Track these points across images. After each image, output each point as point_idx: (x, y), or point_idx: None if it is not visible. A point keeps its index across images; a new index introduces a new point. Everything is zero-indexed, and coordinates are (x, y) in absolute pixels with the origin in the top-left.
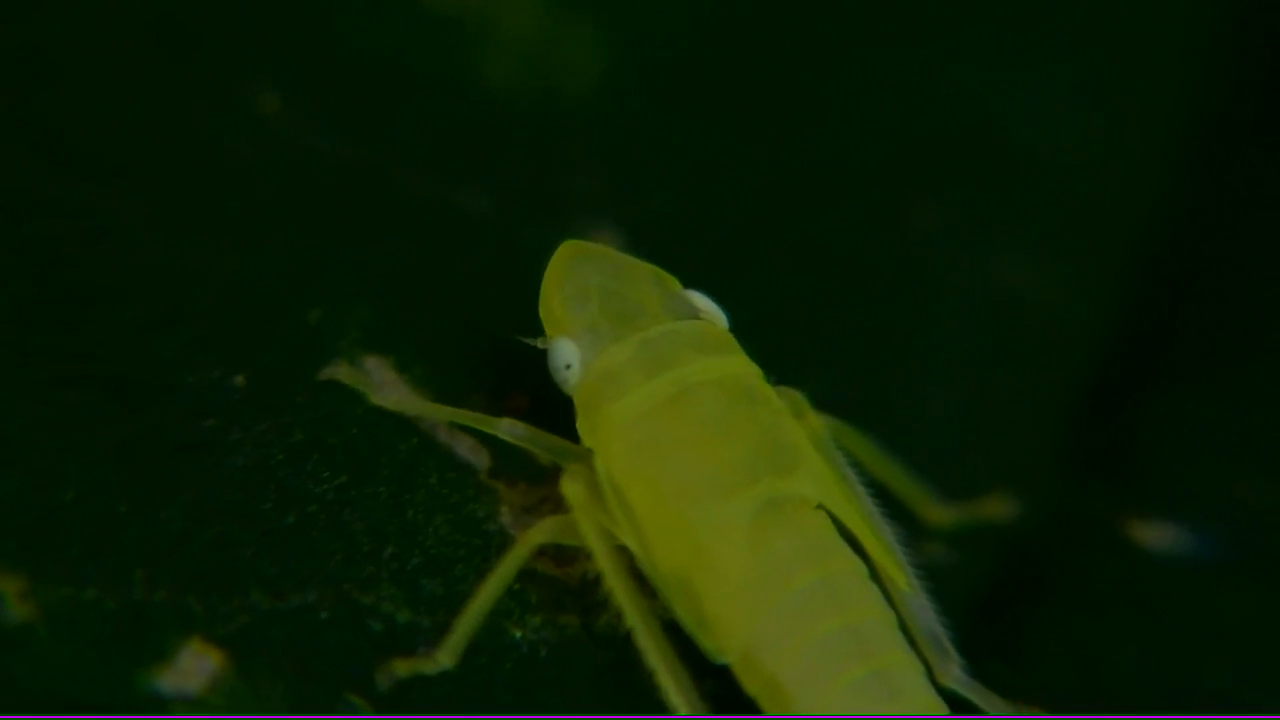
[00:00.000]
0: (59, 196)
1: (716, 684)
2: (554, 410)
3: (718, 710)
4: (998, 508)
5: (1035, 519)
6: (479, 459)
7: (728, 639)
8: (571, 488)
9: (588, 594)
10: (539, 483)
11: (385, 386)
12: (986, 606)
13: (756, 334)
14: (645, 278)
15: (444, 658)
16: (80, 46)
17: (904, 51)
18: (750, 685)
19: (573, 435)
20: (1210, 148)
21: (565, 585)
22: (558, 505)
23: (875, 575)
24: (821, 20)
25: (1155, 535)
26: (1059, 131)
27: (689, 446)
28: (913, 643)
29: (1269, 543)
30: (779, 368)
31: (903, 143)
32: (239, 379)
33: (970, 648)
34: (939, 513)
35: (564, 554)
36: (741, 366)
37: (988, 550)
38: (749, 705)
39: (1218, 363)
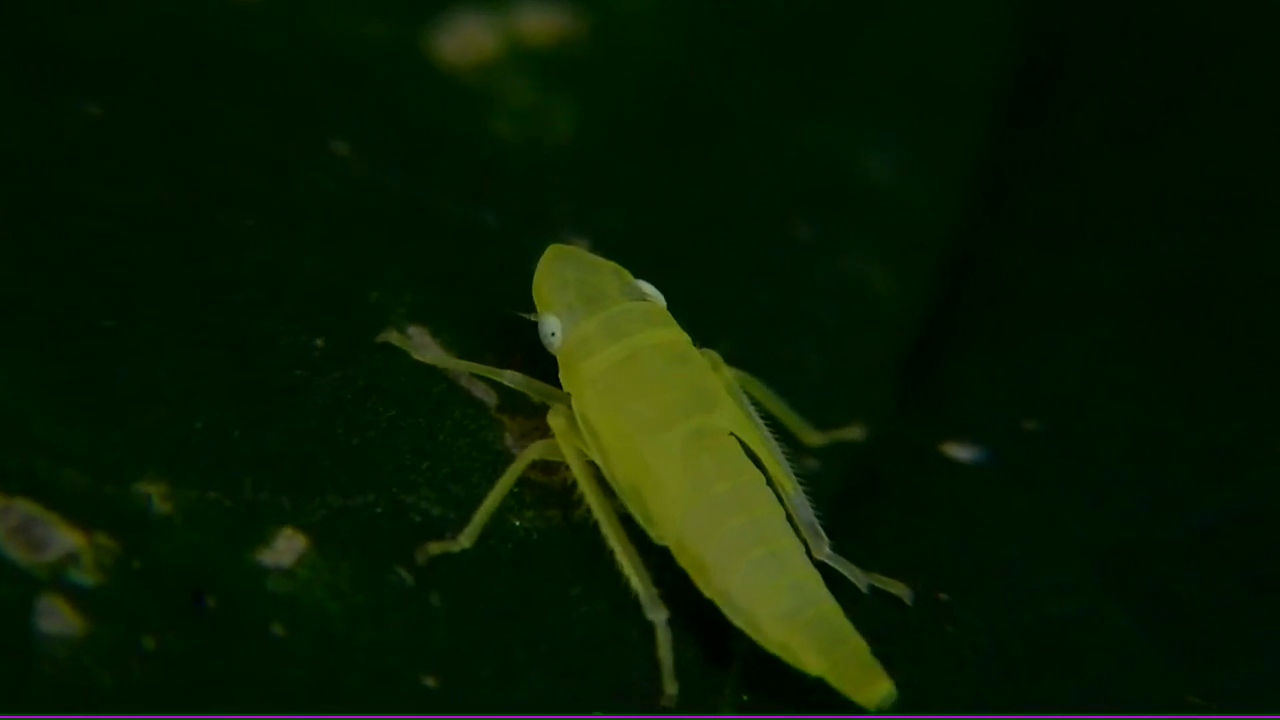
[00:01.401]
0: (196, 213)
1: (658, 559)
2: (542, 365)
3: (657, 577)
4: (853, 433)
5: (879, 441)
6: (490, 399)
7: (666, 529)
8: (556, 420)
9: (566, 495)
10: (532, 416)
11: (424, 347)
12: (844, 502)
13: (685, 312)
14: (608, 271)
15: (464, 540)
16: (210, 114)
17: (785, 117)
18: (681, 560)
19: (556, 383)
20: (994, 179)
21: (550, 489)
22: (545, 432)
23: (770, 483)
24: (732, 96)
25: (962, 452)
26: (888, 165)
27: (639, 392)
28: (796, 530)
29: (1036, 457)
30: (701, 336)
31: (787, 178)
32: (320, 341)
33: (835, 533)
34: (812, 437)
35: (550, 467)
36: (676, 335)
37: (846, 463)
38: (682, 576)
39: (1007, 333)
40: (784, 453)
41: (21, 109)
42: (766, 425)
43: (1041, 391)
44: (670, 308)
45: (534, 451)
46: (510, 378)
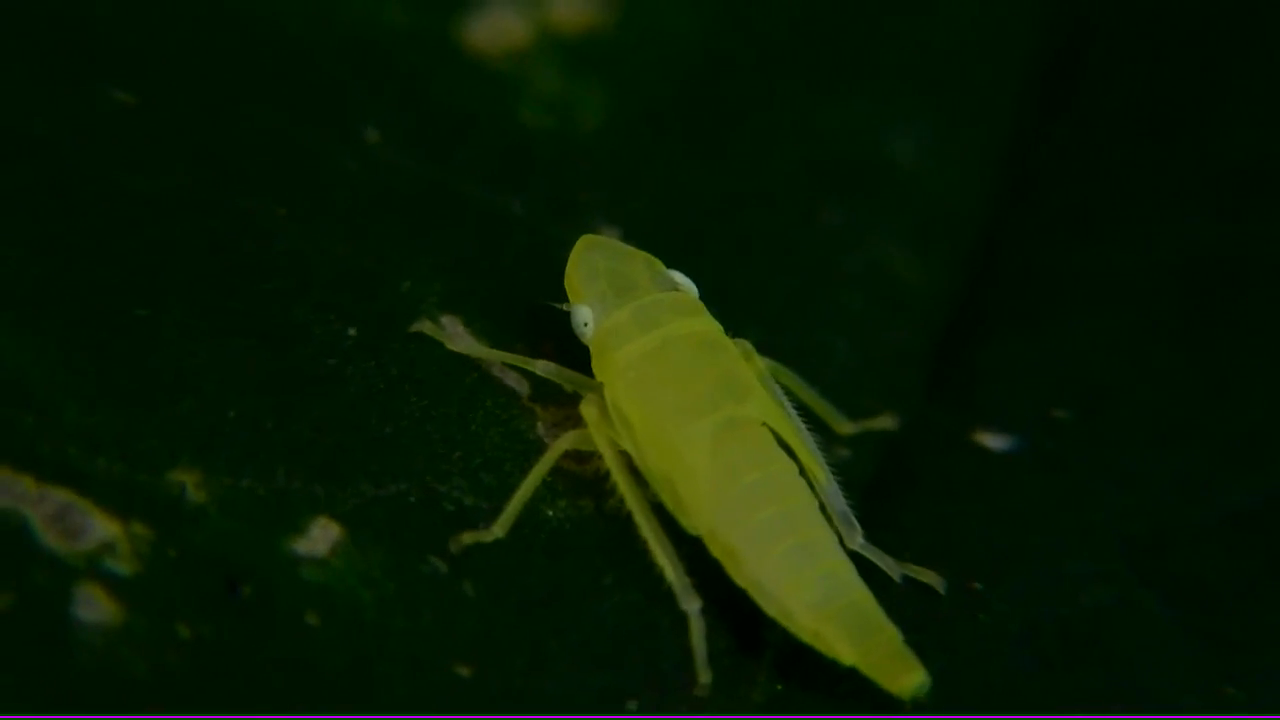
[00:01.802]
0: (226, 201)
1: (691, 549)
2: (574, 355)
3: (690, 566)
4: (884, 422)
5: (910, 430)
6: (522, 388)
7: (698, 518)
8: (588, 410)
9: (599, 484)
10: (565, 406)
11: (456, 336)
12: (877, 492)
13: (716, 301)
14: (639, 261)
15: (497, 530)
16: (239, 101)
17: (811, 103)
18: (714, 550)
19: (588, 372)
20: (1022, 164)
21: (583, 478)
22: (578, 422)
23: (802, 472)
24: (756, 83)
25: (993, 440)
26: (915, 151)
27: (670, 382)
28: (828, 519)
29: (1066, 445)
30: (729, 322)
31: (813, 163)
32: (352, 330)
33: (867, 522)
34: (844, 426)
35: (582, 456)
36: (708, 324)
37: (878, 452)
38: (714, 565)
39: (1035, 319)
40: (816, 442)
41: (53, 96)
42: (798, 414)
43: (1071, 378)
44: (701, 297)
45: (566, 441)
46: (542, 367)
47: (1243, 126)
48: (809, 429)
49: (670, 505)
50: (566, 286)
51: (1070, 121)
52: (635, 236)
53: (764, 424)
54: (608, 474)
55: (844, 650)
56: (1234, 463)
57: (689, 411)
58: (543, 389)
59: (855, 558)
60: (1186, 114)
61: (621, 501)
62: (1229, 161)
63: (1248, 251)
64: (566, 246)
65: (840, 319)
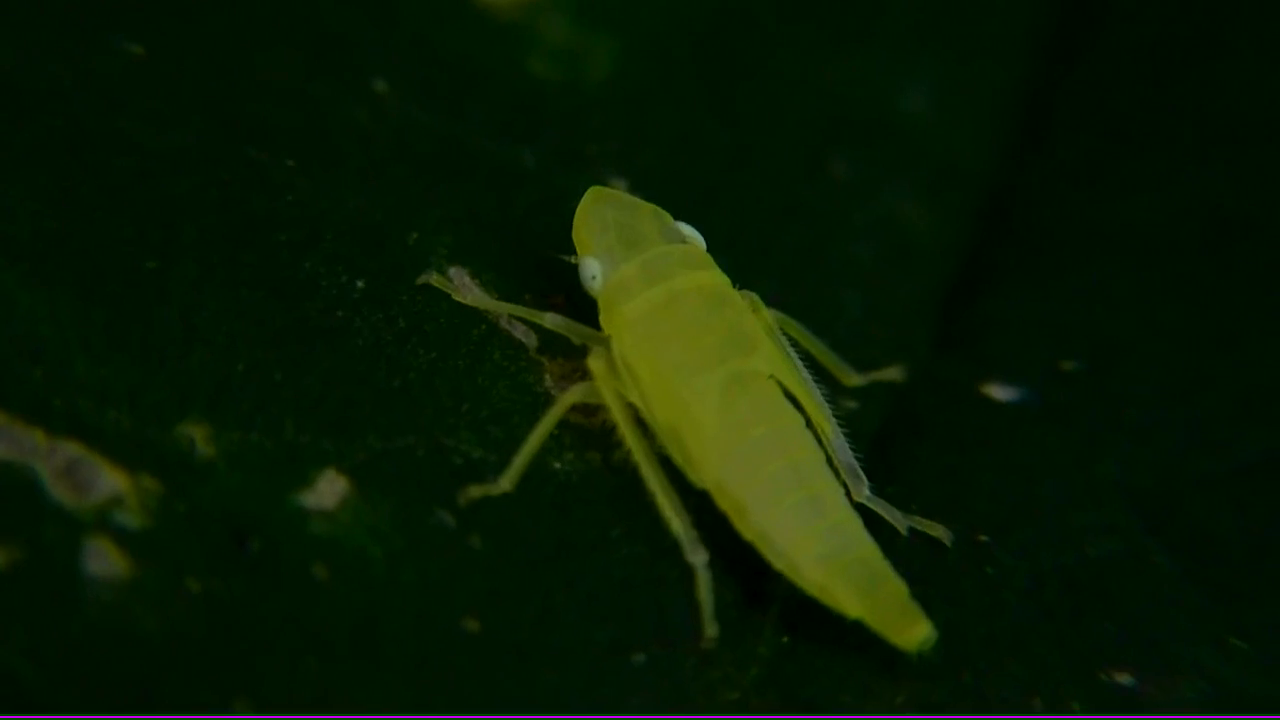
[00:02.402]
0: (236, 154)
1: (697, 502)
2: (582, 307)
3: (697, 519)
4: (891, 374)
5: (918, 381)
6: (529, 340)
7: (705, 472)
8: (596, 363)
9: (606, 438)
10: (572, 358)
11: (464, 288)
12: (884, 444)
13: (725, 253)
14: (647, 214)
15: (505, 483)
16: (249, 53)
17: (825, 53)
18: (721, 503)
19: (596, 325)
20: (1031, 117)
21: (590, 431)
22: (585, 374)
23: (809, 425)
24: (767, 34)
25: (1001, 392)
26: (927, 106)
27: (678, 335)
28: (835, 472)
29: (1074, 397)
30: (740, 277)
31: (823, 115)
32: (360, 283)
33: (874, 475)
34: (851, 378)
35: (590, 409)
36: (716, 278)
37: (885, 404)
38: (721, 518)
39: (1044, 272)
40: (823, 394)
41: (63, 48)
42: (806, 367)
43: (1079, 330)
44: (709, 249)
45: (574, 394)
46: (550, 320)
47: (1254, 81)
48: (816, 381)
49: (677, 458)
50: (574, 239)
51: (1080, 75)
52: (644, 188)
53: (771, 377)
54: (615, 427)
55: (850, 603)
56: (1242, 416)
57: (696, 365)
58: (550, 341)
59: (862, 510)
60: (1197, 68)
61: (629, 454)
62: (1239, 115)
63: (1258, 205)
64: (575, 198)
65: (850, 271)
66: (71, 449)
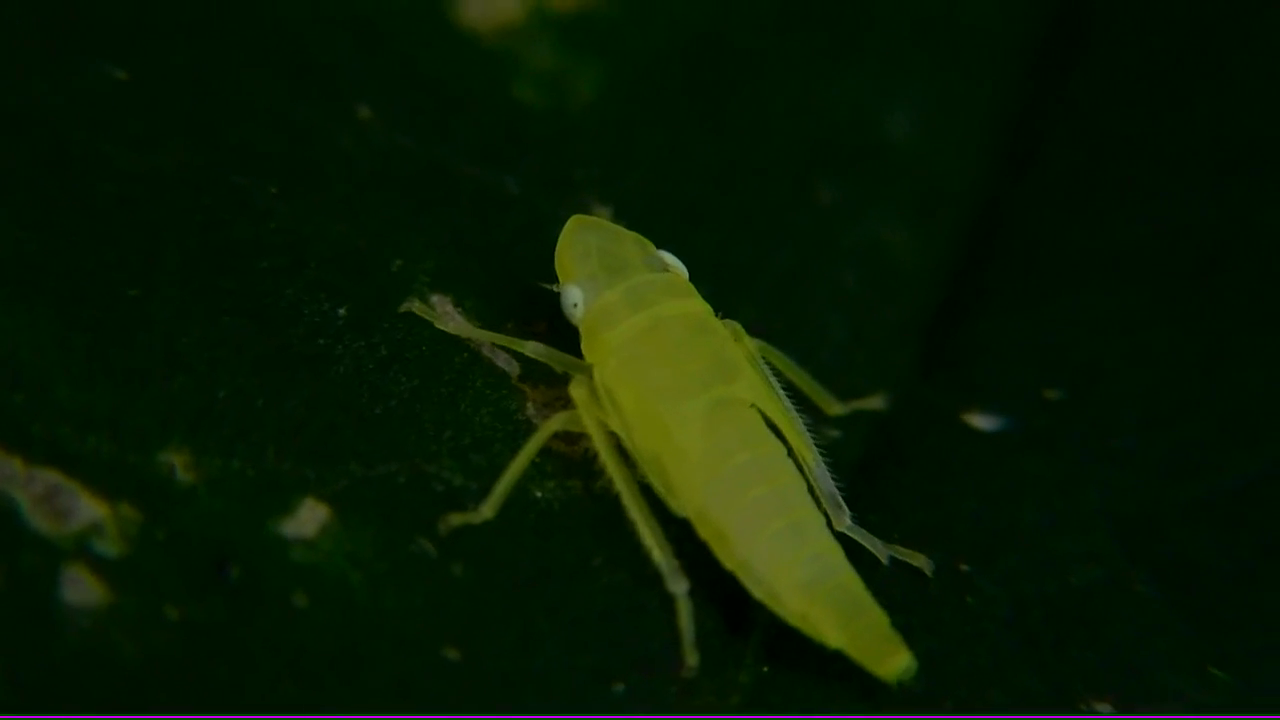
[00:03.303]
0: (219, 179)
1: (679, 530)
2: (564, 335)
3: (678, 548)
4: (874, 402)
5: (901, 409)
6: (511, 368)
7: (686, 500)
8: (578, 391)
9: (588, 465)
10: (554, 386)
11: (446, 316)
12: (867, 473)
13: (710, 279)
14: (630, 241)
15: (486, 511)
16: (233, 77)
17: (809, 77)
18: (702, 532)
19: (578, 353)
20: (1016, 142)
21: (572, 459)
22: (567, 403)
23: (791, 453)
24: (751, 59)
25: (983, 421)
26: (912, 129)
27: (661, 363)
28: (817, 501)
29: (1057, 425)
30: (722, 300)
31: (808, 139)
32: (342, 310)
33: (856, 503)
34: (834, 406)
35: (571, 437)
36: (698, 306)
37: (868, 432)
38: (702, 547)
39: (1028, 297)
40: (805, 423)
41: (47, 71)
42: (788, 395)
43: (1062, 357)
44: (691, 272)
45: (556, 422)
46: (532, 348)
47: (1240, 104)
48: (798, 410)
49: (659, 486)
50: (557, 267)
51: (1066, 99)
52: (627, 215)
53: (753, 405)
54: (597, 455)
55: (831, 632)
56: (1224, 443)
57: (678, 393)
58: (532, 369)
59: (843, 539)
60: (1183, 91)
61: (610, 482)
62: (1224, 139)
63: (1243, 229)
64: (559, 224)
65: (834, 297)
66: (50, 476)
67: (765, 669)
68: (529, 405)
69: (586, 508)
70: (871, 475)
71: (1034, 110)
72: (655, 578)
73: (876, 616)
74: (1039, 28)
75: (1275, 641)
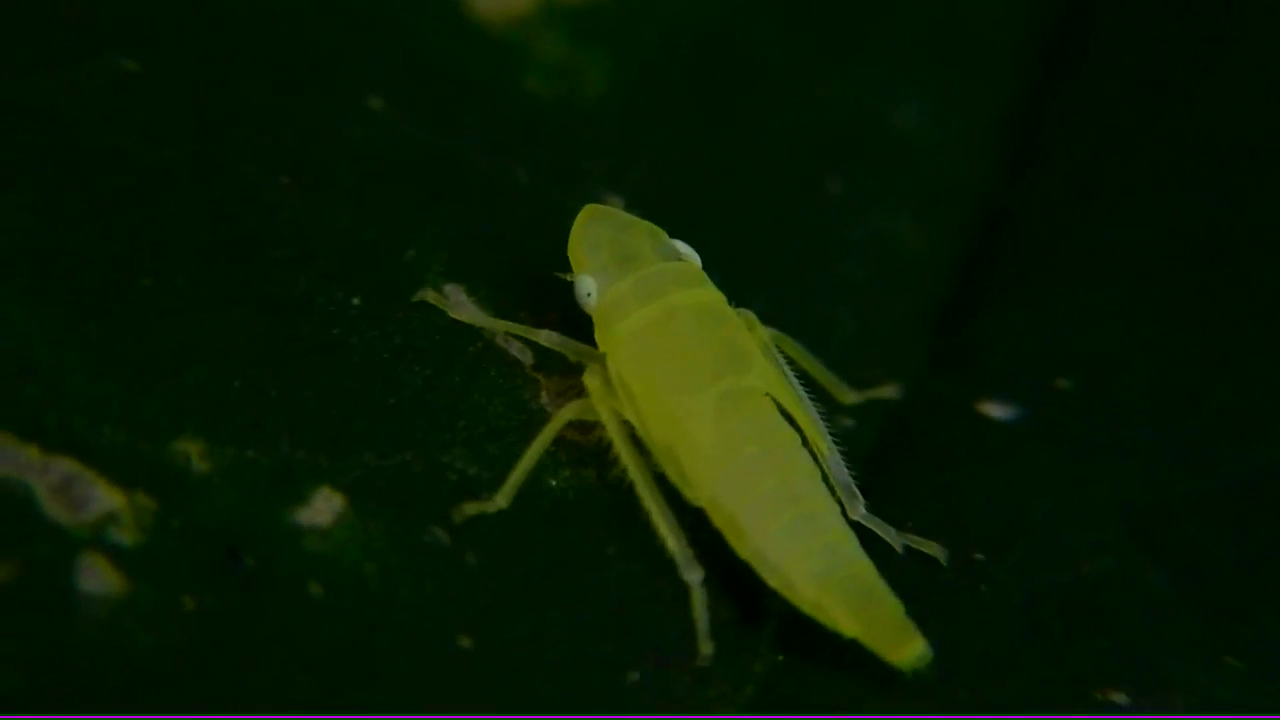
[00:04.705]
0: (230, 171)
1: (693, 519)
2: (577, 324)
3: (692, 537)
4: (887, 391)
5: (913, 399)
6: (525, 357)
7: (700, 489)
8: (591, 380)
9: (602, 455)
10: (568, 375)
11: (460, 305)
12: (880, 462)
13: (720, 270)
14: (642, 231)
15: (500, 500)
16: (244, 69)
17: (817, 72)
18: (716, 520)
19: (592, 342)
20: (1025, 135)
21: (586, 448)
22: (581, 392)
23: (805, 442)
24: (762, 51)
25: (996, 410)
26: (921, 122)
27: (674, 353)
28: (831, 490)
29: (1069, 415)
30: (733, 292)
31: (818, 134)
32: (356, 300)
33: (869, 493)
34: (847, 395)
35: (585, 426)
36: (711, 295)
37: (881, 422)
38: (717, 536)
39: (1039, 289)
40: (819, 412)
41: (57, 65)
42: (801, 384)
43: (1074, 348)
44: (704, 267)
45: (569, 411)
46: (546, 337)
47: (1246, 100)
48: (811, 399)
49: (673, 476)
50: (570, 256)
51: (1075, 92)
52: (639, 205)
53: (766, 394)
54: (610, 444)
55: (845, 621)
56: (1236, 434)
57: (692, 382)
58: (546, 358)
59: (857, 528)
60: (1191, 87)
61: (624, 472)
62: (1232, 134)
63: (1251, 223)
64: (570, 215)
65: (844, 289)
66: (66, 466)
67: (780, 658)
68: (543, 394)
69: (600, 497)
70: (884, 464)
71: (1041, 105)
72: (669, 567)
73: (891, 605)
74: (1046, 24)
75: None
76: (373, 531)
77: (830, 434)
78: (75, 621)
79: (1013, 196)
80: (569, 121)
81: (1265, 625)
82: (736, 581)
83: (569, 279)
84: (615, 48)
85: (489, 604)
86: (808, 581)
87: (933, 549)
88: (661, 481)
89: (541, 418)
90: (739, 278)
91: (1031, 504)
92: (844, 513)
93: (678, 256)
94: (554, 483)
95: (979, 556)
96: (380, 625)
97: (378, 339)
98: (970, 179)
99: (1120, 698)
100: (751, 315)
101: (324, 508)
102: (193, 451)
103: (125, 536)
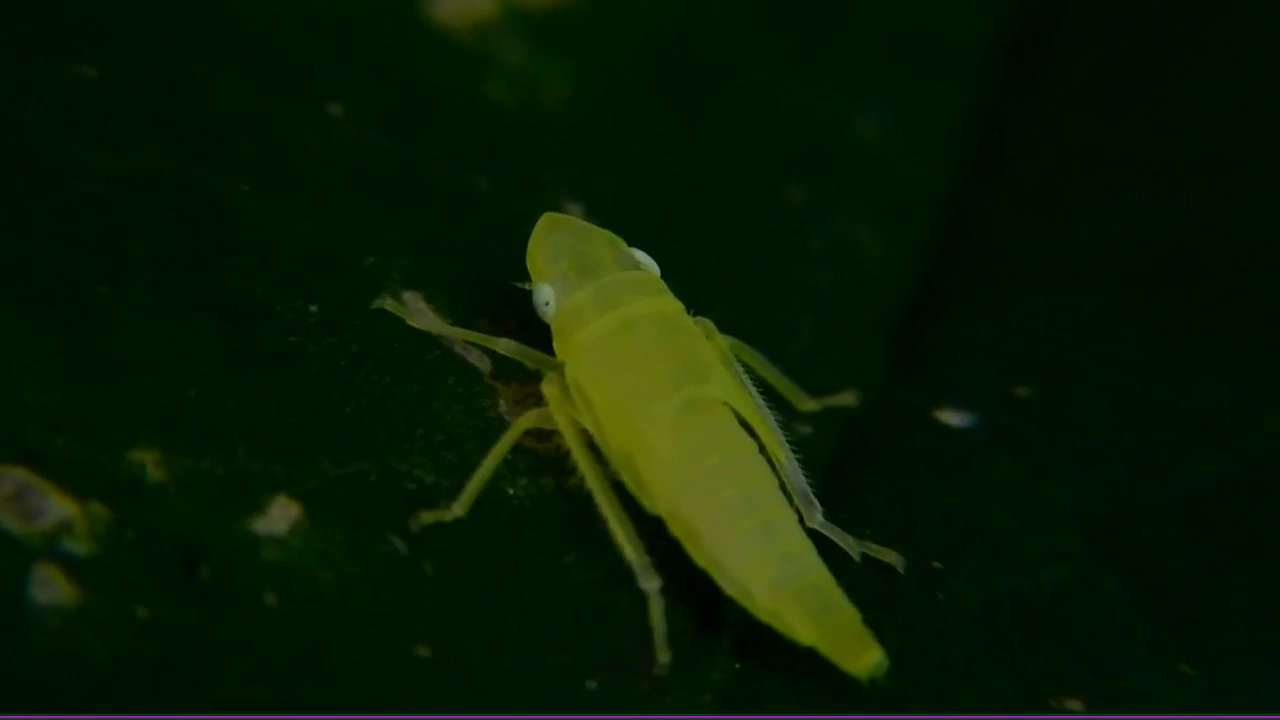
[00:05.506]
0: (189, 177)
1: (651, 528)
2: (536, 333)
3: (650, 545)
4: (845, 399)
5: (872, 407)
6: (484, 365)
7: (658, 498)
8: (549, 388)
9: (560, 463)
10: (526, 383)
11: (419, 313)
12: (838, 470)
13: (681, 279)
14: (601, 240)
15: (458, 509)
16: (203, 75)
17: (778, 81)
18: (674, 530)
19: (550, 351)
20: (987, 143)
21: (544, 457)
22: (539, 400)
23: (763, 451)
24: (724, 59)
25: (954, 418)
26: (882, 130)
27: (632, 361)
28: (789, 498)
29: (1027, 424)
30: (693, 301)
31: (780, 142)
32: (314, 307)
33: (827, 501)
34: (805, 402)
35: (543, 434)
36: (670, 304)
37: (839, 430)
38: (674, 544)
39: (999, 298)
40: (777, 421)
41: (14, 70)
42: (760, 393)
43: (1033, 357)
44: (663, 273)
45: (528, 419)
46: (505, 345)
47: (1209, 110)
48: (770, 407)
49: (631, 484)
50: (528, 265)
51: (1036, 100)
52: (600, 213)
53: (725, 403)
54: (569, 452)
55: (803, 630)
56: (1194, 443)
57: (650, 391)
58: (505, 367)
59: (815, 536)
60: (1153, 96)
61: (582, 480)
62: (1194, 143)
63: (1211, 231)
64: (530, 223)
65: (805, 297)
66: (18, 475)
67: (737, 666)
68: (501, 402)
69: (558, 505)
70: (842, 472)
71: (1003, 112)
72: (627, 575)
73: (848, 614)
74: (1008, 31)
75: (1243, 639)
76: (330, 540)
77: (789, 442)
78: (28, 632)
79: (974, 204)
80: (530, 128)
81: (1221, 634)
82: (694, 590)
83: (527, 288)
84: (578, 54)
85: (446, 613)
86: (765, 590)
87: (890, 557)
88: (619, 490)
89: (500, 426)
90: (701, 286)
91: (989, 512)
92: (802, 521)
93: (636, 265)
94: (512, 491)
95: (936, 565)
96: (337, 634)
97: (335, 346)
98: (931, 187)
99: (1076, 705)
100: (710, 324)
101: (280, 517)
102: (148, 461)
103: (79, 546)
